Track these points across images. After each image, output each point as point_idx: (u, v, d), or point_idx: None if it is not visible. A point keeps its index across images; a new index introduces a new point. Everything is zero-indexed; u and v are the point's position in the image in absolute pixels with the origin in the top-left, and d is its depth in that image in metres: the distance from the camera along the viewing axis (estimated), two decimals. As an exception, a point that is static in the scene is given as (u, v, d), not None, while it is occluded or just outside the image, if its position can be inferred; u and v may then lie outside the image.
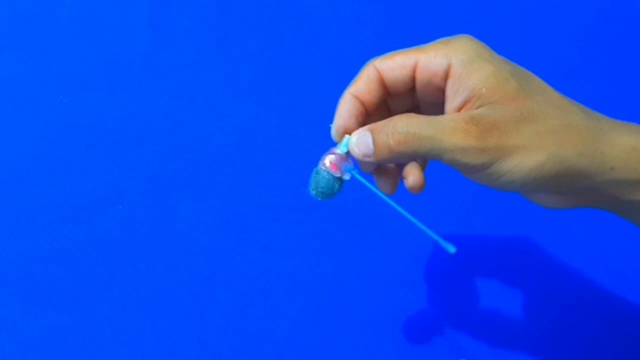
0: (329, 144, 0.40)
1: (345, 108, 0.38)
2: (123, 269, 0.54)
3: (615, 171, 0.35)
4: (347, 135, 0.38)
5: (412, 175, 0.38)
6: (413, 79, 0.37)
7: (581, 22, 0.63)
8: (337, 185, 0.38)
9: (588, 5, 0.64)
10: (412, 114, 0.35)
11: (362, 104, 0.38)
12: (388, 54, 0.38)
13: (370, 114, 0.38)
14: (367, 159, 0.36)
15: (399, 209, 0.37)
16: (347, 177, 0.38)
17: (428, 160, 0.40)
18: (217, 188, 0.56)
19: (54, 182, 0.56)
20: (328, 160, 0.38)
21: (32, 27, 0.59)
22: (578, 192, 0.36)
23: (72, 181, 0.56)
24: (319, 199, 0.39)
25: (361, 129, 0.37)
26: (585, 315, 0.55)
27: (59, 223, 0.55)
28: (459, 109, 0.35)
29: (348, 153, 0.38)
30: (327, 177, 0.38)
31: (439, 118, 0.34)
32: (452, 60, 0.35)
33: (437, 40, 0.37)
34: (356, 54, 0.61)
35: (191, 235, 0.55)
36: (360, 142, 0.36)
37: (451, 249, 0.35)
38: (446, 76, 0.36)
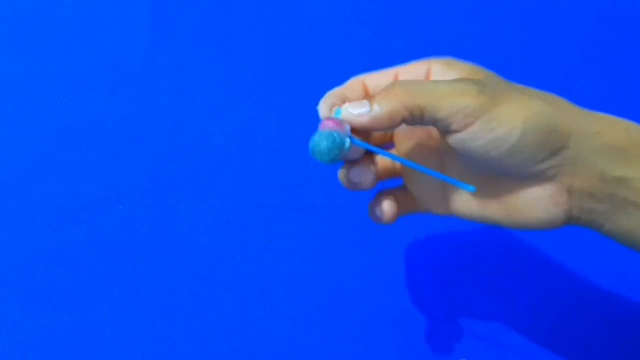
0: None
1: (350, 86, 0.39)
2: (123, 269, 0.54)
3: (601, 136, 0.36)
4: (336, 107, 0.37)
5: (386, 203, 0.41)
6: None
7: (581, 22, 0.63)
8: (345, 143, 0.35)
9: (588, 6, 0.64)
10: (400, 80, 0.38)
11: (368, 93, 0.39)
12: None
13: None
14: (360, 121, 0.35)
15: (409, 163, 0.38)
16: (347, 144, 0.35)
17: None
18: (217, 188, 0.57)
19: (54, 182, 0.56)
20: (328, 122, 0.36)
21: (32, 27, 0.59)
22: (566, 173, 0.36)
23: (72, 181, 0.56)
24: (326, 160, 0.35)
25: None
26: (586, 315, 0.55)
27: (59, 223, 0.55)
28: None
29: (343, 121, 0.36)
30: (330, 136, 0.35)
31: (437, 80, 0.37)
32: (431, 64, 0.38)
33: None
34: (356, 54, 0.61)
35: (191, 235, 0.55)
36: (355, 104, 0.36)
37: (470, 188, 0.36)
38: (427, 79, 0.38)
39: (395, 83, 0.36)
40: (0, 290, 0.53)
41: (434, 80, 0.37)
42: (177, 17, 0.60)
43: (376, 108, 0.35)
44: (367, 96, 0.37)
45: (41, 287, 0.54)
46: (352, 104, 0.36)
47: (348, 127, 0.36)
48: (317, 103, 0.60)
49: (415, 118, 0.35)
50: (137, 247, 0.55)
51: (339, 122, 0.35)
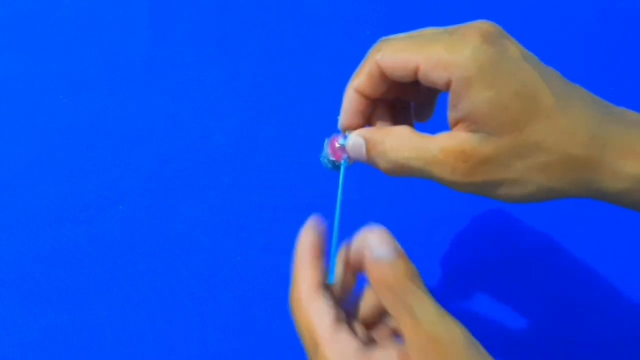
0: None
1: (349, 105, 0.38)
2: (123, 269, 0.54)
3: (617, 196, 0.34)
4: (348, 133, 0.38)
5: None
6: (415, 76, 0.36)
7: (581, 21, 0.63)
8: (336, 167, 0.40)
9: (588, 5, 0.64)
10: (404, 134, 0.35)
11: (367, 97, 0.38)
12: (392, 43, 0.37)
13: (376, 103, 0.38)
14: (361, 161, 0.38)
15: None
16: (346, 164, 0.39)
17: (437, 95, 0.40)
18: (217, 188, 0.57)
19: (54, 182, 0.56)
20: (329, 147, 0.39)
21: (32, 27, 0.59)
22: None
23: (72, 181, 0.56)
24: (330, 170, 0.41)
25: (356, 134, 0.37)
26: (587, 314, 0.55)
27: (59, 223, 0.55)
28: (457, 123, 0.34)
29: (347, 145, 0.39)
30: (329, 159, 0.40)
31: (431, 145, 0.34)
32: (452, 76, 0.33)
33: (447, 32, 0.35)
34: (356, 54, 0.60)
35: (191, 235, 0.55)
36: (355, 149, 0.37)
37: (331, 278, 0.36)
38: (447, 87, 0.34)
39: (387, 152, 0.36)
40: (0, 290, 0.53)
41: (428, 151, 0.34)
42: (177, 17, 0.60)
43: (372, 163, 0.37)
44: (367, 140, 0.37)
45: (41, 287, 0.54)
46: (353, 144, 0.37)
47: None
48: (317, 103, 0.60)
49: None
50: (137, 247, 0.55)
51: (342, 150, 0.39)
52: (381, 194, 0.57)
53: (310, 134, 0.57)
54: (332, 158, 0.39)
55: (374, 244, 0.35)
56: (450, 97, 0.34)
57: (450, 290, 0.56)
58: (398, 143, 0.35)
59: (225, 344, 0.53)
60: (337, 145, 0.39)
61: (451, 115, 0.34)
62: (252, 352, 0.53)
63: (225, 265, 0.55)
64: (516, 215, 0.57)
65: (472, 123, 0.33)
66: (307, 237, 0.37)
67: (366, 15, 0.62)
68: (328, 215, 0.57)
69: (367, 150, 0.37)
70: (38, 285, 0.54)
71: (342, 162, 0.39)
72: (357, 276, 0.37)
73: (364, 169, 0.58)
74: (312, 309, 0.35)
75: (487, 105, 0.32)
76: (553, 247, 0.56)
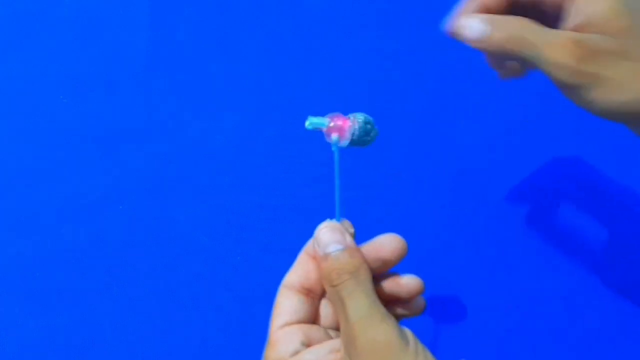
0: (329, 145, 0.40)
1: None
2: (123, 269, 0.54)
3: None
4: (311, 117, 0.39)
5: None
6: None
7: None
8: (353, 143, 0.40)
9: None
10: (526, 20, 0.37)
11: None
12: None
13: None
14: (474, 37, 0.38)
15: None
16: (344, 143, 0.39)
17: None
18: (217, 188, 0.57)
19: (54, 182, 0.56)
20: (325, 134, 0.40)
21: (32, 27, 0.59)
22: None
23: (72, 181, 0.56)
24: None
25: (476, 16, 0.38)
26: (587, 313, 0.55)
27: (59, 223, 0.55)
28: (574, 29, 0.36)
29: (328, 127, 0.39)
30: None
31: (549, 31, 0.36)
32: None
33: None
34: (356, 54, 0.60)
35: (191, 235, 0.55)
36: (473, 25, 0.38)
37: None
38: None
39: (510, 23, 0.36)
40: (0, 290, 0.53)
41: (546, 33, 0.36)
42: (177, 17, 0.60)
43: (485, 40, 0.37)
44: (488, 19, 0.37)
45: (41, 287, 0.54)
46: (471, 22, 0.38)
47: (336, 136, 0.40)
48: (317, 103, 0.60)
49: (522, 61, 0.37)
50: (137, 247, 0.55)
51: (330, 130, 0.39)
52: (382, 194, 0.57)
53: (310, 133, 0.57)
54: (327, 140, 0.39)
55: (322, 238, 0.37)
56: (569, 7, 0.36)
57: (449, 289, 0.56)
58: (520, 22, 0.36)
59: (225, 343, 0.53)
60: (307, 125, 0.39)
61: (566, 24, 0.37)
62: (252, 352, 0.53)
63: (225, 265, 0.55)
64: (517, 216, 0.57)
65: (589, 27, 0.35)
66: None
67: (366, 15, 0.62)
68: (328, 216, 0.57)
69: (489, 22, 0.37)
70: (38, 285, 0.54)
71: (332, 144, 0.39)
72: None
73: (364, 171, 0.58)
74: (279, 302, 0.38)
75: (606, 11, 0.35)
76: (553, 249, 0.56)
